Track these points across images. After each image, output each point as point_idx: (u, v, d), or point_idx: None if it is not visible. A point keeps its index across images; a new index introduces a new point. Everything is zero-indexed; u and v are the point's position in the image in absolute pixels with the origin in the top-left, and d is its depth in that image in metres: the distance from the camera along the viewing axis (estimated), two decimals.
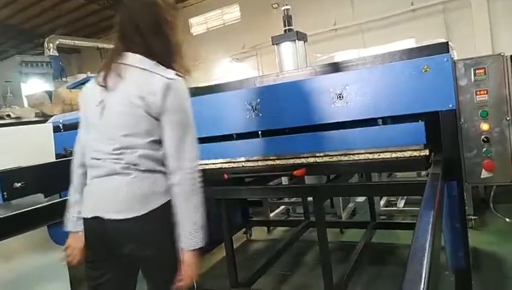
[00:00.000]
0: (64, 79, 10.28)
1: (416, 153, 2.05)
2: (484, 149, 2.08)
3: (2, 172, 2.10)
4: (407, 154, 2.07)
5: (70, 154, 2.89)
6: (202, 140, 2.58)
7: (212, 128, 2.54)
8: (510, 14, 9.46)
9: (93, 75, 6.39)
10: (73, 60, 18.09)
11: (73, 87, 5.99)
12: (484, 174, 2.11)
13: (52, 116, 4.36)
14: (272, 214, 4.79)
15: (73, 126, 3.45)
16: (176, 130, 1.43)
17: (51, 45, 11.22)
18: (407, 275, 0.86)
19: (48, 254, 2.54)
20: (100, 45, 15.18)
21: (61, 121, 3.63)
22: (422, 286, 0.82)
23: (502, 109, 2.04)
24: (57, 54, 11.27)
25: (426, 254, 0.96)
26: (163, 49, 1.52)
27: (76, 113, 4.12)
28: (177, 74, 1.48)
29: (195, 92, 2.91)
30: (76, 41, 13.43)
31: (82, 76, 7.87)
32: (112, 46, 1.67)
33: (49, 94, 5.35)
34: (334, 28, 11.86)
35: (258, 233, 4.48)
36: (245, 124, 2.43)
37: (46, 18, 15.10)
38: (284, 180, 4.01)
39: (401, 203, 4.43)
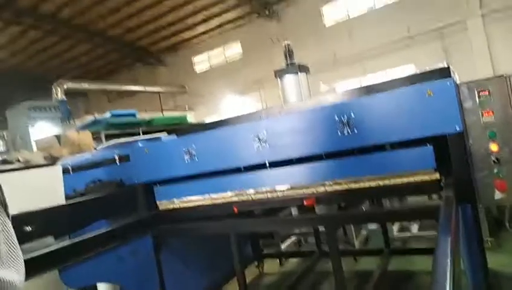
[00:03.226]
0: (71, 122, 10.44)
1: (426, 177, 2.03)
2: (495, 170, 2.07)
3: (12, 216, 2.10)
4: (417, 178, 2.05)
5: (81, 195, 2.94)
6: (210, 174, 2.62)
7: (219, 162, 2.55)
8: (506, 34, 9.60)
9: (100, 116, 6.48)
10: (80, 102, 18.45)
11: (81, 129, 6.08)
12: (497, 195, 2.08)
13: (60, 158, 4.40)
14: (283, 246, 4.71)
15: (82, 167, 3.52)
16: None
17: (59, 89, 11.48)
18: None
19: None
20: (107, 87, 15.54)
21: (70, 163, 3.66)
22: None
23: (509, 128, 2.04)
24: (65, 98, 11.51)
25: (448, 280, 0.94)
26: None
27: (84, 154, 4.17)
28: None
29: (203, 127, 2.96)
30: (83, 85, 13.74)
31: (89, 117, 8.00)
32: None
33: (58, 138, 5.43)
34: (334, 59, 12.06)
35: (270, 266, 4.39)
36: (253, 156, 2.44)
37: (55, 64, 15.57)
38: (294, 210, 3.97)
39: (414, 229, 4.35)
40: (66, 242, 2.27)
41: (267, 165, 2.44)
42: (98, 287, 2.85)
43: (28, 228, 2.18)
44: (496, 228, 3.82)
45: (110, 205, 2.83)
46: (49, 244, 2.29)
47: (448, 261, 1.05)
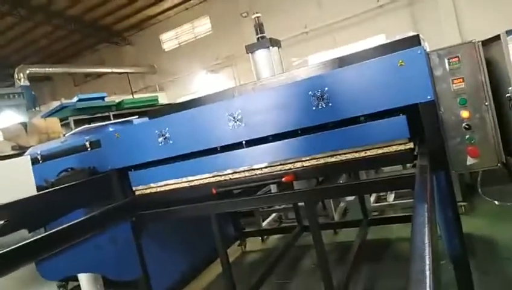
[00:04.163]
0: (37, 108, 10.04)
1: (401, 147, 2.05)
2: (467, 136, 2.11)
3: None
4: (392, 149, 2.07)
5: (52, 185, 2.84)
6: (186, 156, 2.57)
7: (195, 143, 2.50)
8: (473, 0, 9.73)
9: (67, 101, 6.26)
10: (45, 87, 17.76)
11: (48, 116, 5.86)
12: (470, 160, 2.14)
13: (28, 147, 4.24)
14: (264, 223, 4.76)
15: (51, 156, 3.40)
16: None
17: (21, 75, 10.98)
18: (411, 274, 0.85)
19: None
20: (71, 70, 14.96)
21: (38, 152, 3.52)
22: (428, 282, 0.81)
23: (479, 95, 2.07)
24: (28, 84, 11.02)
25: (426, 246, 0.95)
26: None
27: (53, 142, 4.03)
28: None
29: (174, 108, 2.88)
30: (47, 69, 13.18)
31: (56, 103, 7.71)
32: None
33: (24, 125, 5.21)
34: (305, 31, 11.98)
35: (253, 244, 4.44)
36: (228, 135, 2.40)
37: (14, 48, 14.83)
38: (273, 188, 3.99)
39: (390, 198, 4.46)
40: (41, 234, 2.20)
41: (243, 144, 2.42)
42: (79, 278, 2.81)
43: (1, 222, 2.11)
44: (469, 193, 3.96)
45: (85, 194, 2.75)
46: (23, 237, 2.22)
47: (426, 228, 1.07)
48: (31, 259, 2.12)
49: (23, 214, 2.29)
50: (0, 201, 2.21)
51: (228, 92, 2.79)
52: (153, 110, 3.67)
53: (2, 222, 2.12)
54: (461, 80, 2.10)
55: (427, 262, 0.89)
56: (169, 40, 15.42)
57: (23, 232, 2.30)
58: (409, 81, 1.98)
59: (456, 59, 2.11)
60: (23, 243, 2.00)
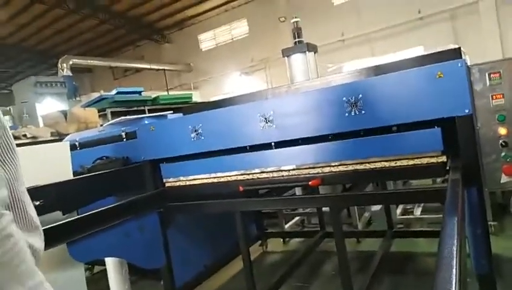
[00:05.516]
0: (78, 98, 10.44)
1: (433, 160, 2.02)
2: (503, 154, 2.05)
3: None
4: (424, 161, 2.04)
5: (88, 171, 2.97)
6: (216, 153, 2.63)
7: (225, 140, 2.55)
8: None
9: (106, 93, 6.47)
10: (86, 79, 18.45)
11: (88, 106, 6.08)
12: (504, 179, 2.08)
13: (67, 134, 4.43)
14: (286, 225, 4.76)
15: (89, 144, 3.54)
16: None
17: (65, 65, 11.45)
18: (437, 282, 0.84)
19: (68, 270, 2.56)
20: (112, 64, 15.46)
21: (77, 139, 3.68)
22: None
23: None
24: (71, 74, 11.48)
25: (454, 261, 0.94)
26: None
27: (90, 131, 4.20)
28: None
29: (209, 106, 2.95)
30: (89, 61, 13.69)
31: (95, 94, 8.00)
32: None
33: (64, 113, 5.44)
34: (341, 39, 11.90)
35: (274, 245, 4.46)
36: (259, 135, 2.43)
37: (60, 39, 15.48)
38: (298, 190, 3.99)
39: (417, 211, 4.37)
40: (74, 217, 2.30)
41: (273, 145, 2.44)
42: (106, 262, 2.91)
43: (37, 203, 2.21)
44: (500, 212, 3.83)
45: (118, 182, 2.86)
46: (57, 219, 2.32)
47: (455, 242, 1.05)
48: (63, 239, 2.22)
49: (58, 197, 2.39)
50: (37, 183, 2.32)
51: (262, 94, 2.83)
52: (188, 107, 3.76)
53: (38, 203, 2.22)
54: (501, 96, 2.06)
55: (454, 272, 0.88)
56: (207, 40, 15.68)
57: (57, 214, 2.41)
58: (447, 94, 1.95)
59: (497, 75, 2.06)
60: (57, 223, 2.10)
